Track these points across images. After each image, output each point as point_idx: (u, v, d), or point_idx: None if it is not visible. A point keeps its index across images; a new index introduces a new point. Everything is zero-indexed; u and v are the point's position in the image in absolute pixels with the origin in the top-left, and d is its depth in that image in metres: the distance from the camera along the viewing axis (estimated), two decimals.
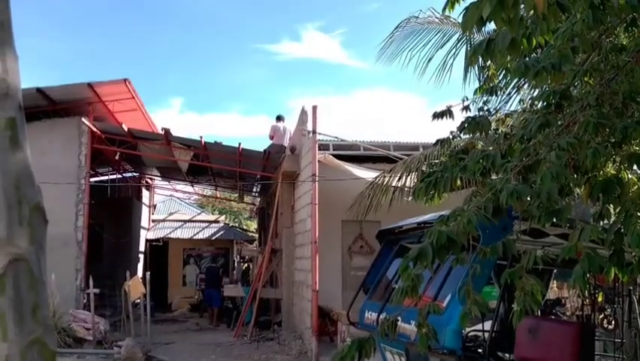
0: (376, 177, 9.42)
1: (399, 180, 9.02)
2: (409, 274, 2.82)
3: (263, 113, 72.15)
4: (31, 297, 1.41)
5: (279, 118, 14.24)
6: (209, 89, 63.91)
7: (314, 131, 10.24)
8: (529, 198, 2.83)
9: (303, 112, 11.21)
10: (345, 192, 10.29)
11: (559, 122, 3.21)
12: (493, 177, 3.37)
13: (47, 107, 13.16)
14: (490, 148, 3.72)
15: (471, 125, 3.70)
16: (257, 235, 23.45)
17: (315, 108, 10.49)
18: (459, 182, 3.47)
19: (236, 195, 21.11)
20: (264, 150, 13.92)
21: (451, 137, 4.30)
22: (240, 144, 13.74)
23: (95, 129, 13.73)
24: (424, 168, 8.52)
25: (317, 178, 10.04)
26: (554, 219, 2.85)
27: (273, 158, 13.89)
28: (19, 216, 1.43)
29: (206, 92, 63.46)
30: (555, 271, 6.38)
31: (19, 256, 1.41)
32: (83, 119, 13.39)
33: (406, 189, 8.99)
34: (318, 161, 10.02)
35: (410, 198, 6.53)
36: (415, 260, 2.79)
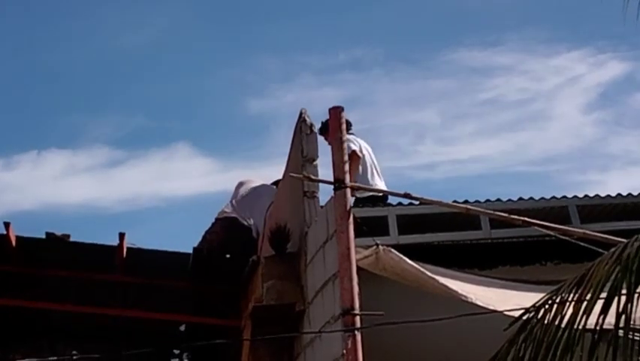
0: (536, 307, 5.78)
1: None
2: None
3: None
4: None
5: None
6: None
7: (339, 182, 7.00)
8: None
9: (303, 126, 8.20)
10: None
11: None
12: None
13: None
14: None
15: None
16: None
17: (337, 112, 7.31)
18: None
19: None
20: (196, 249, 10.49)
21: None
22: (121, 235, 10.33)
23: None
24: None
25: (358, 323, 6.64)
26: None
27: (221, 266, 10.22)
28: None
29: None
30: None
31: None
32: None
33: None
34: (359, 268, 6.62)
35: None
36: None
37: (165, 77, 46.86)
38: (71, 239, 10.45)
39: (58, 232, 10.34)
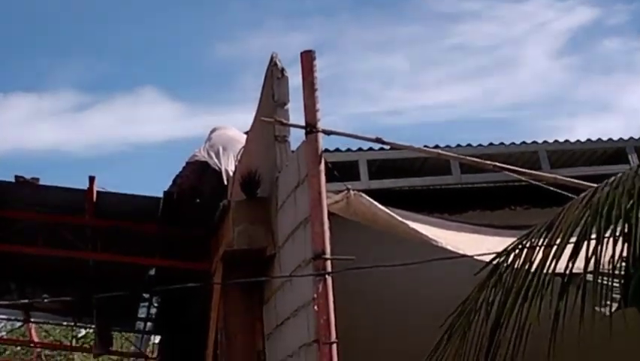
0: (507, 251, 5.47)
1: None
2: None
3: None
4: None
5: None
6: None
7: (311, 126, 6.67)
8: None
9: (274, 70, 7.98)
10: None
11: None
12: None
13: None
14: None
15: None
16: None
17: (309, 56, 6.99)
18: None
19: (90, 331, 16.94)
20: (166, 193, 10.14)
21: None
22: (91, 178, 10.00)
23: None
24: None
25: (329, 267, 6.32)
26: None
27: (191, 210, 10.10)
28: None
29: None
30: None
31: None
32: None
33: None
34: (330, 213, 6.51)
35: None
36: None
37: (132, 21, 44.32)
38: (40, 183, 10.25)
39: (27, 176, 10.10)
